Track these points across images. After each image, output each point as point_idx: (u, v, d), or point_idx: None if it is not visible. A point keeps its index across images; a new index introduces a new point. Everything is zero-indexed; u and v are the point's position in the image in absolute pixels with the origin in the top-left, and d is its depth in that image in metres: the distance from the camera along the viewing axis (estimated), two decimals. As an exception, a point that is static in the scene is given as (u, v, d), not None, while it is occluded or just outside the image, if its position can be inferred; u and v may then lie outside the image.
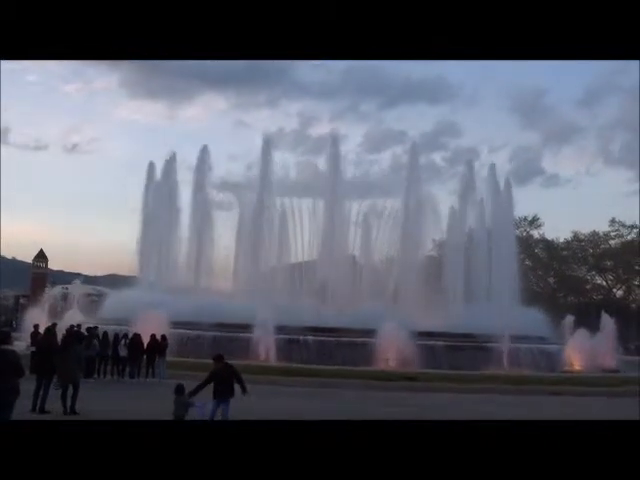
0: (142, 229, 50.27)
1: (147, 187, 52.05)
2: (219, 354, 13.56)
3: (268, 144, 50.61)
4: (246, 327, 34.26)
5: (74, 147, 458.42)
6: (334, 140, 51.25)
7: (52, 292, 65.14)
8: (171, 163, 52.27)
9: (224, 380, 12.74)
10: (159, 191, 51.20)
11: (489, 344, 34.71)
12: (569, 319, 42.76)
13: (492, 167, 51.75)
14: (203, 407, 12.23)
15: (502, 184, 50.55)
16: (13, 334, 19.67)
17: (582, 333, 39.48)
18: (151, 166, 52.44)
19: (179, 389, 12.67)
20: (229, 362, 13.53)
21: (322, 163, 53.52)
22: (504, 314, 39.05)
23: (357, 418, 12.64)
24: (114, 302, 44.29)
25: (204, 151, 52.44)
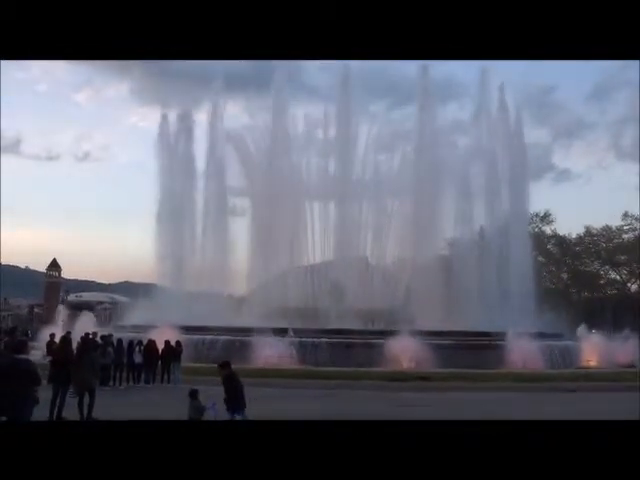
0: (160, 199, 50.02)
1: (160, 137, 51.49)
2: (225, 361, 12.90)
3: (281, 146, 50.60)
4: (259, 331, 34.33)
5: (86, 156, 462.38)
6: (344, 141, 51.17)
7: (67, 300, 65.40)
8: (186, 116, 52.06)
9: (232, 390, 12.15)
10: (174, 147, 50.92)
11: (503, 342, 34.53)
12: (582, 328, 42.50)
13: (501, 86, 52.87)
14: (214, 407, 12.10)
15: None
16: (29, 343, 19.78)
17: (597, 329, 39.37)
18: (164, 118, 52.18)
19: (193, 393, 12.68)
20: (233, 369, 12.74)
21: (332, 165, 53.55)
22: (518, 311, 38.95)
23: (367, 418, 12.62)
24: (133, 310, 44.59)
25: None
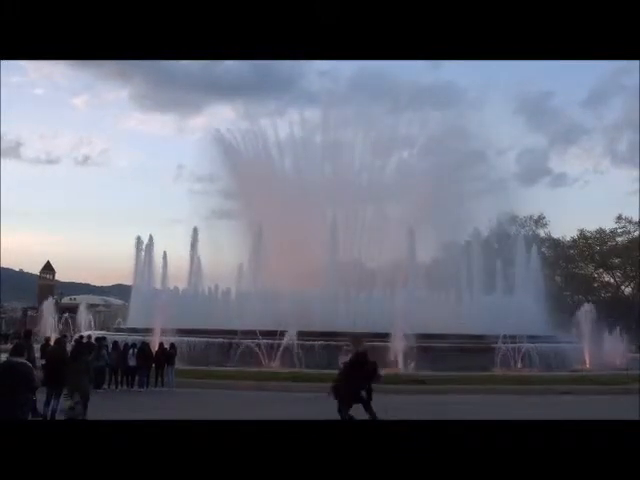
0: None
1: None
2: None
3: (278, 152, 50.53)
4: (254, 333, 34.27)
5: (85, 159, 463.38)
6: (341, 146, 51.29)
7: (60, 303, 65.10)
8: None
9: None
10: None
11: (498, 345, 34.53)
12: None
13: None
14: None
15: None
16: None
17: (592, 331, 39.40)
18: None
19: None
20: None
21: (329, 169, 53.62)
22: (514, 314, 39.04)
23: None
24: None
25: None
